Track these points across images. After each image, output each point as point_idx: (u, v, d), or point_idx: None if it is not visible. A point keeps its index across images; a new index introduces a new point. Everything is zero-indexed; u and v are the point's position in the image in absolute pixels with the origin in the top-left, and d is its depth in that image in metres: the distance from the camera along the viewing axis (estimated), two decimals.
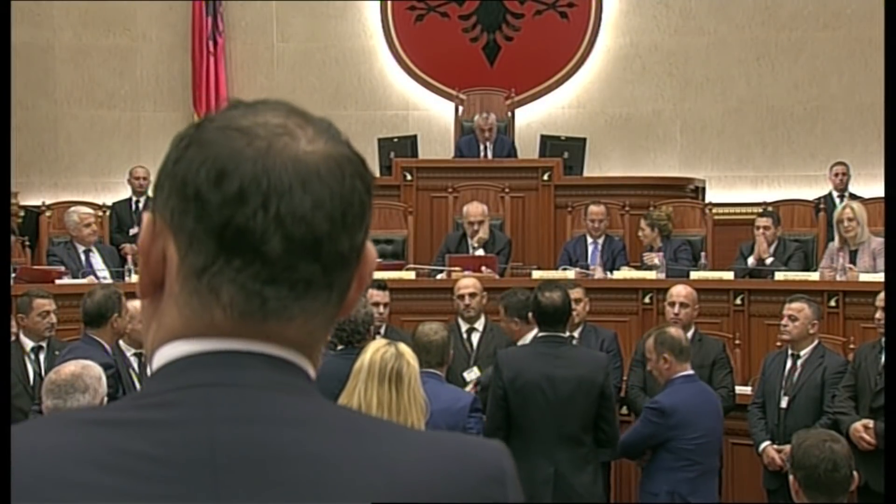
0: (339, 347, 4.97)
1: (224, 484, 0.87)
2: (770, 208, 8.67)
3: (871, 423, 5.31)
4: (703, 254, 7.98)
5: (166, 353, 0.94)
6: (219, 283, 0.92)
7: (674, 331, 5.13)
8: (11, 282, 6.73)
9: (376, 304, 6.08)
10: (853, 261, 7.40)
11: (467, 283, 6.63)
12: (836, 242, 7.62)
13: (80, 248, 8.03)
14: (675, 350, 5.01)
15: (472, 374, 6.03)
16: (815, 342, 5.78)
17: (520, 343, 5.32)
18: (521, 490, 0.96)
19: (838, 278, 7.29)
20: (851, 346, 6.27)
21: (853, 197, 9.45)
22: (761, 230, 7.91)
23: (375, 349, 3.63)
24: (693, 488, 4.89)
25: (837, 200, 9.53)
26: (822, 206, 9.07)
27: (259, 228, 0.90)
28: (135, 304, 5.74)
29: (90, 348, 5.14)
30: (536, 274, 7.66)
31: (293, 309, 0.93)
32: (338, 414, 0.96)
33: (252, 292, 0.92)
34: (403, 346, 3.68)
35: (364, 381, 3.55)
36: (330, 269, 0.94)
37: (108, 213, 9.64)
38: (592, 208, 8.62)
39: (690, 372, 5.08)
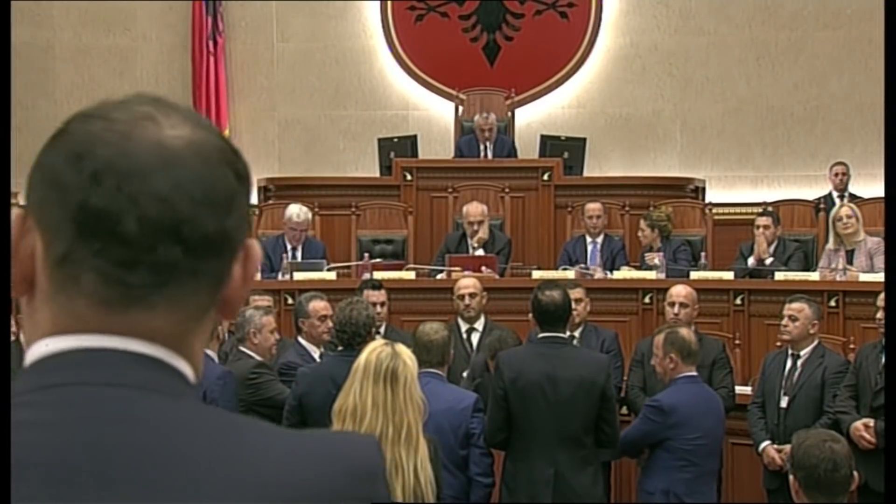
0: (340, 349, 4.98)
1: (81, 486, 0.85)
2: (770, 208, 8.67)
3: (871, 422, 5.30)
4: (703, 254, 7.98)
5: (34, 352, 0.93)
6: (79, 270, 0.90)
7: (685, 332, 5.13)
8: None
9: (373, 304, 6.08)
10: (850, 261, 7.40)
11: (467, 283, 6.63)
12: (831, 244, 7.62)
13: None
14: (683, 352, 5.01)
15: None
16: (815, 342, 5.78)
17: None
18: (387, 490, 0.95)
19: (838, 278, 7.30)
20: (851, 346, 6.27)
21: (853, 197, 9.46)
22: (761, 230, 7.92)
23: (372, 349, 3.62)
24: (690, 489, 4.88)
25: (837, 200, 9.53)
26: (822, 206, 9.07)
27: (114, 209, 0.88)
28: None
29: None
30: (536, 274, 7.66)
31: (156, 296, 0.91)
32: (206, 414, 0.92)
33: (112, 278, 0.90)
34: (401, 346, 3.67)
35: (360, 380, 3.54)
36: (194, 253, 0.91)
37: None
38: (589, 205, 8.64)
39: (694, 373, 5.08)
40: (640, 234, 8.34)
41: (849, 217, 7.50)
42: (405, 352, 3.63)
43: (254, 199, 10.35)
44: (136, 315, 0.91)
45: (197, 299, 0.93)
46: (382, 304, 6.42)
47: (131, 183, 0.89)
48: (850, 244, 7.50)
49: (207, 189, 0.91)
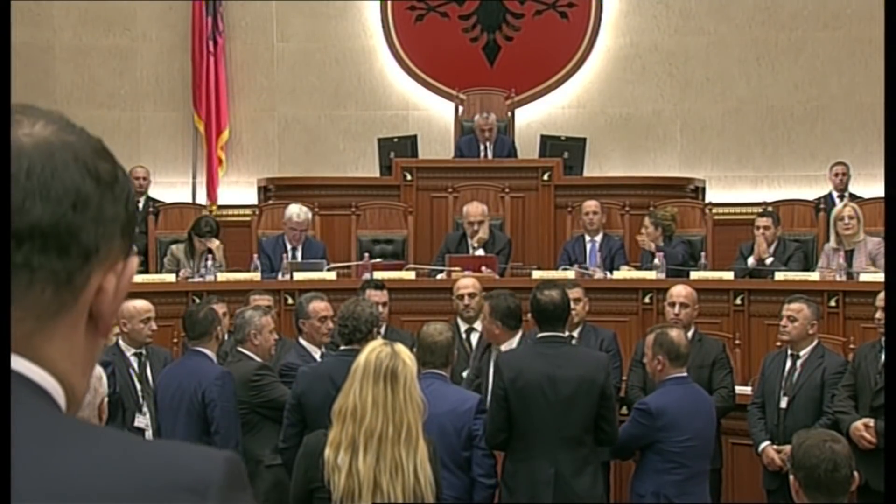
0: (342, 347, 4.98)
1: None
2: (770, 208, 8.67)
3: (871, 421, 5.31)
4: (703, 254, 7.98)
5: None
6: None
7: (675, 333, 5.09)
8: None
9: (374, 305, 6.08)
10: (849, 261, 7.40)
11: (466, 283, 6.63)
12: (831, 243, 7.63)
13: None
14: (670, 354, 5.00)
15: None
16: (815, 342, 5.79)
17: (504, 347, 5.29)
18: None
19: (838, 278, 7.30)
20: (851, 346, 6.27)
21: (853, 197, 9.46)
22: (761, 230, 7.92)
23: (371, 349, 3.62)
24: (680, 491, 4.88)
25: (837, 200, 9.54)
26: (822, 206, 9.07)
27: None
28: (133, 304, 5.75)
29: None
30: (536, 274, 7.66)
31: None
32: (45, 423, 0.89)
33: None
34: (400, 346, 3.66)
35: (360, 380, 3.53)
36: (26, 243, 0.89)
37: None
38: (586, 203, 8.65)
39: (683, 374, 5.05)
40: (642, 230, 8.30)
41: (850, 218, 7.50)
42: (404, 351, 3.62)
43: (254, 200, 10.37)
44: None
45: (35, 297, 0.91)
46: (384, 305, 6.43)
47: None
48: (849, 244, 7.50)
49: (43, 182, 0.90)
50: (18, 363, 0.90)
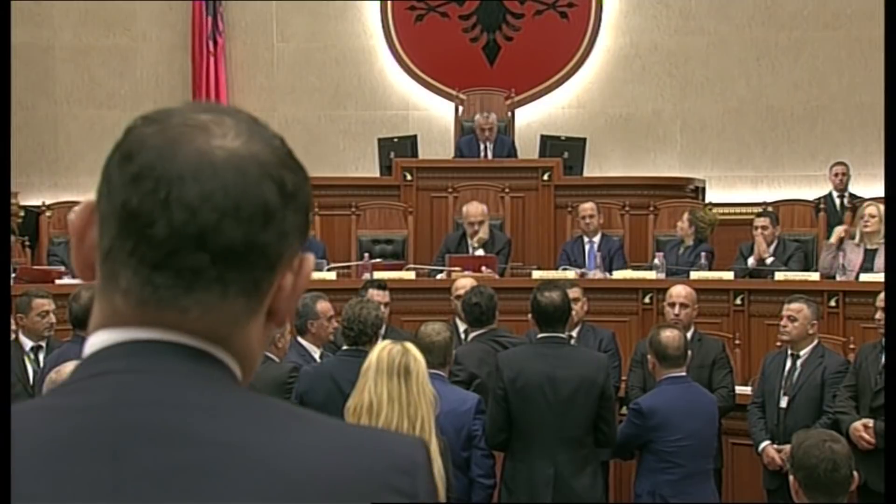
0: (345, 347, 4.98)
1: (128, 467, 0.88)
2: (769, 208, 8.67)
3: (870, 422, 5.30)
4: (702, 254, 7.98)
5: (87, 346, 0.97)
6: (118, 266, 0.94)
7: (667, 335, 5.05)
8: (11, 282, 6.74)
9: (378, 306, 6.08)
10: (871, 260, 7.35)
11: (466, 283, 6.62)
12: (855, 239, 7.57)
13: None
14: (658, 355, 5.01)
15: None
16: (815, 342, 5.78)
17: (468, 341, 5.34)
18: (434, 488, 0.96)
19: (838, 278, 7.29)
20: (851, 346, 6.27)
21: (853, 197, 9.46)
22: (759, 230, 7.91)
23: (382, 347, 3.72)
24: (675, 490, 4.87)
25: (837, 200, 9.55)
26: (822, 206, 9.07)
27: (146, 210, 0.92)
28: None
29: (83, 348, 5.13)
30: (536, 274, 7.66)
31: (186, 300, 0.93)
32: (251, 402, 0.95)
33: (143, 277, 0.93)
34: (409, 344, 3.76)
35: (373, 377, 3.63)
36: (220, 261, 0.93)
37: None
38: (582, 205, 8.64)
39: (680, 374, 5.04)
40: (679, 224, 8.29)
41: (872, 216, 7.42)
42: (414, 349, 3.72)
43: None
44: (169, 315, 0.94)
45: (229, 306, 0.95)
46: (385, 305, 6.43)
47: (164, 188, 0.92)
48: (871, 243, 7.43)
49: (237, 201, 0.93)
50: (221, 355, 0.96)
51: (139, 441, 0.89)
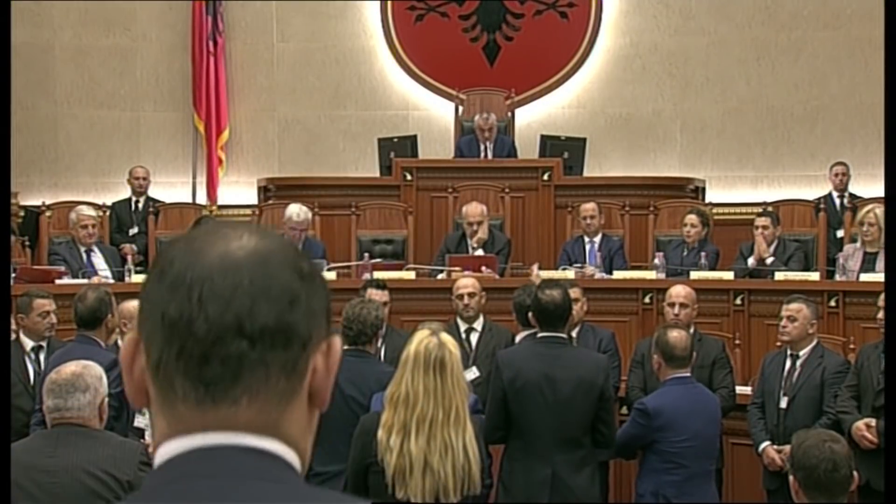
0: (345, 347, 4.99)
1: None
2: (769, 208, 8.67)
3: (873, 421, 5.29)
4: (702, 254, 7.98)
5: (159, 454, 1.05)
6: (170, 374, 1.03)
7: (673, 335, 5.05)
8: (11, 282, 6.73)
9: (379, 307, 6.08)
10: (872, 263, 7.35)
11: (466, 282, 6.63)
12: (858, 243, 7.57)
13: (82, 248, 8.04)
14: (665, 355, 5.00)
15: (470, 374, 6.03)
16: (815, 342, 5.78)
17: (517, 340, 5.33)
18: None
19: (838, 278, 7.30)
20: (851, 346, 6.27)
21: (853, 197, 9.46)
22: (760, 230, 7.91)
23: (419, 340, 3.82)
24: (679, 491, 4.87)
25: (837, 200, 9.55)
26: (822, 206, 9.07)
27: (186, 312, 1.02)
28: (133, 304, 5.75)
29: (90, 347, 5.14)
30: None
31: (235, 390, 1.03)
32: (305, 495, 1.03)
33: (193, 377, 1.02)
34: (445, 336, 3.85)
35: (410, 370, 3.77)
36: (258, 343, 1.03)
37: (107, 213, 9.65)
38: (584, 205, 8.64)
39: (685, 374, 5.04)
40: (686, 222, 8.24)
41: (871, 225, 7.41)
42: (449, 340, 3.83)
43: (254, 200, 10.37)
44: (226, 411, 1.03)
45: (272, 387, 1.04)
46: (385, 304, 6.43)
47: (197, 289, 1.03)
48: (871, 248, 7.44)
49: (264, 287, 1.04)
50: (276, 447, 1.04)
51: None
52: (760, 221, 7.98)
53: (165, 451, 1.04)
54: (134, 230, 9.62)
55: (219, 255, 1.04)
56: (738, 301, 7.38)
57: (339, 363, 1.11)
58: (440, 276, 7.80)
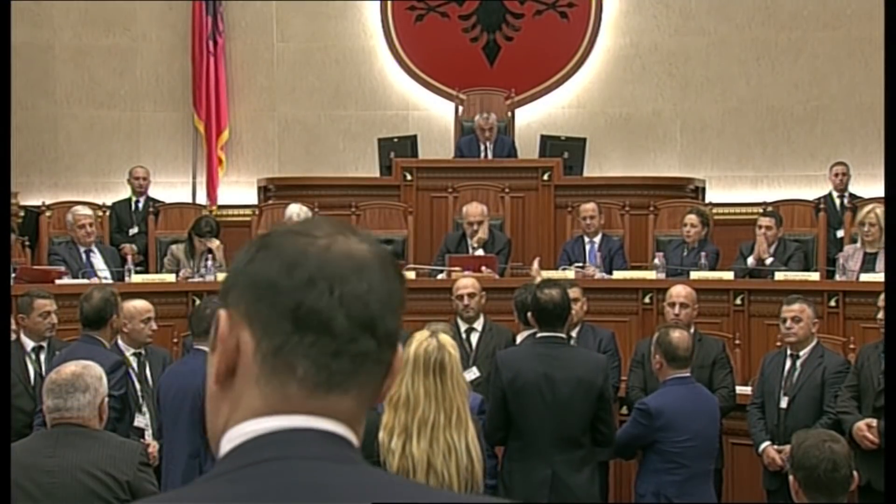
0: None
1: None
2: (771, 208, 8.67)
3: (874, 421, 5.28)
4: (702, 254, 7.99)
5: (244, 431, 1.10)
6: (294, 358, 1.09)
7: (676, 335, 5.04)
8: (11, 282, 6.73)
9: None
10: (872, 263, 7.35)
11: (466, 283, 6.63)
12: (859, 244, 7.57)
13: (82, 248, 8.04)
14: (668, 355, 4.99)
15: (471, 375, 6.03)
16: (815, 342, 5.78)
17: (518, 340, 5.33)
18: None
19: (838, 278, 7.29)
20: (851, 346, 6.27)
21: (853, 197, 9.46)
22: (763, 230, 7.90)
23: (419, 343, 3.81)
24: (680, 491, 4.86)
25: (837, 200, 9.55)
26: (822, 206, 9.07)
27: (326, 308, 1.09)
28: (133, 304, 5.75)
29: (94, 348, 5.15)
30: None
31: (351, 382, 1.11)
32: (377, 476, 1.13)
33: (322, 365, 1.09)
34: (444, 337, 3.84)
35: (410, 373, 3.75)
36: (383, 344, 1.12)
37: (107, 213, 9.65)
38: (584, 205, 8.63)
39: (685, 374, 5.03)
40: (686, 222, 8.23)
41: (872, 225, 7.40)
42: (448, 342, 3.83)
43: (254, 200, 10.37)
44: (334, 398, 1.10)
45: (375, 385, 1.14)
46: None
47: (338, 287, 1.09)
48: (871, 248, 7.43)
49: (389, 292, 1.13)
50: (352, 438, 1.12)
51: None
52: (764, 222, 7.97)
53: (265, 426, 1.09)
54: (134, 230, 9.62)
55: (346, 255, 1.11)
56: (738, 301, 7.38)
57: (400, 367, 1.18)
58: (440, 276, 7.80)
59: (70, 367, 3.76)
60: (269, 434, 1.08)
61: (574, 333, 6.22)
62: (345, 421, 1.11)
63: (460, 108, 10.81)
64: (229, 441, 1.10)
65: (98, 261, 8.00)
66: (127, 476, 3.61)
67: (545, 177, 9.52)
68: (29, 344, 5.78)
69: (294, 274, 1.09)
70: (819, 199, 9.45)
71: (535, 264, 7.64)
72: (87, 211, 8.31)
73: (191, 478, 4.94)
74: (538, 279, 6.10)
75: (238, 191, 10.96)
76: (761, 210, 8.78)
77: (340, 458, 1.09)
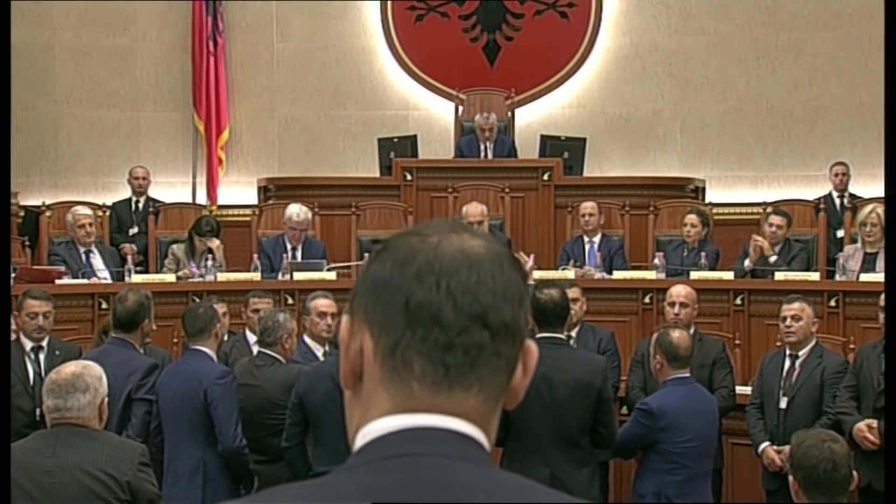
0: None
1: None
2: (769, 208, 8.66)
3: (874, 422, 5.28)
4: (702, 254, 7.99)
5: (376, 428, 1.11)
6: (409, 355, 1.10)
7: (676, 335, 5.05)
8: (11, 282, 6.73)
9: None
10: (872, 263, 7.34)
11: None
12: (859, 244, 7.56)
13: (82, 248, 8.04)
14: (668, 355, 4.99)
15: None
16: (814, 342, 5.77)
17: None
18: None
19: (838, 278, 7.29)
20: (851, 346, 6.26)
21: (853, 197, 9.45)
22: (774, 227, 7.88)
23: None
24: (680, 491, 4.87)
25: (837, 200, 9.54)
26: (822, 206, 9.06)
27: (434, 301, 1.10)
28: None
29: (126, 351, 5.15)
30: (536, 274, 7.65)
31: (470, 377, 1.10)
32: (506, 479, 1.11)
33: (435, 360, 1.10)
34: None
35: None
36: (496, 336, 1.11)
37: (107, 213, 9.65)
38: (583, 204, 8.64)
39: (685, 374, 5.04)
40: (686, 222, 8.22)
41: (873, 225, 7.38)
42: None
43: (254, 199, 10.37)
44: (458, 395, 1.10)
45: (497, 380, 1.12)
46: None
47: (445, 280, 1.10)
48: (872, 248, 7.42)
49: (504, 285, 1.12)
50: (482, 438, 1.12)
51: None
52: (775, 220, 7.94)
53: (392, 424, 1.10)
54: (134, 230, 9.62)
55: (458, 250, 1.12)
56: (738, 301, 7.38)
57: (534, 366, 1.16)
58: None
59: (70, 367, 3.76)
60: (400, 431, 1.10)
61: (574, 333, 6.22)
62: (473, 420, 1.11)
63: (460, 108, 10.81)
64: (363, 437, 1.11)
65: (98, 261, 8.00)
66: (127, 476, 3.61)
67: (545, 177, 9.52)
68: (28, 344, 5.78)
69: (405, 271, 1.11)
70: (819, 199, 9.44)
71: (530, 260, 7.63)
72: (87, 211, 8.30)
73: (197, 481, 4.93)
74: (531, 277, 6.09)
75: (238, 191, 10.96)
76: (762, 210, 8.78)
77: (470, 458, 1.09)
